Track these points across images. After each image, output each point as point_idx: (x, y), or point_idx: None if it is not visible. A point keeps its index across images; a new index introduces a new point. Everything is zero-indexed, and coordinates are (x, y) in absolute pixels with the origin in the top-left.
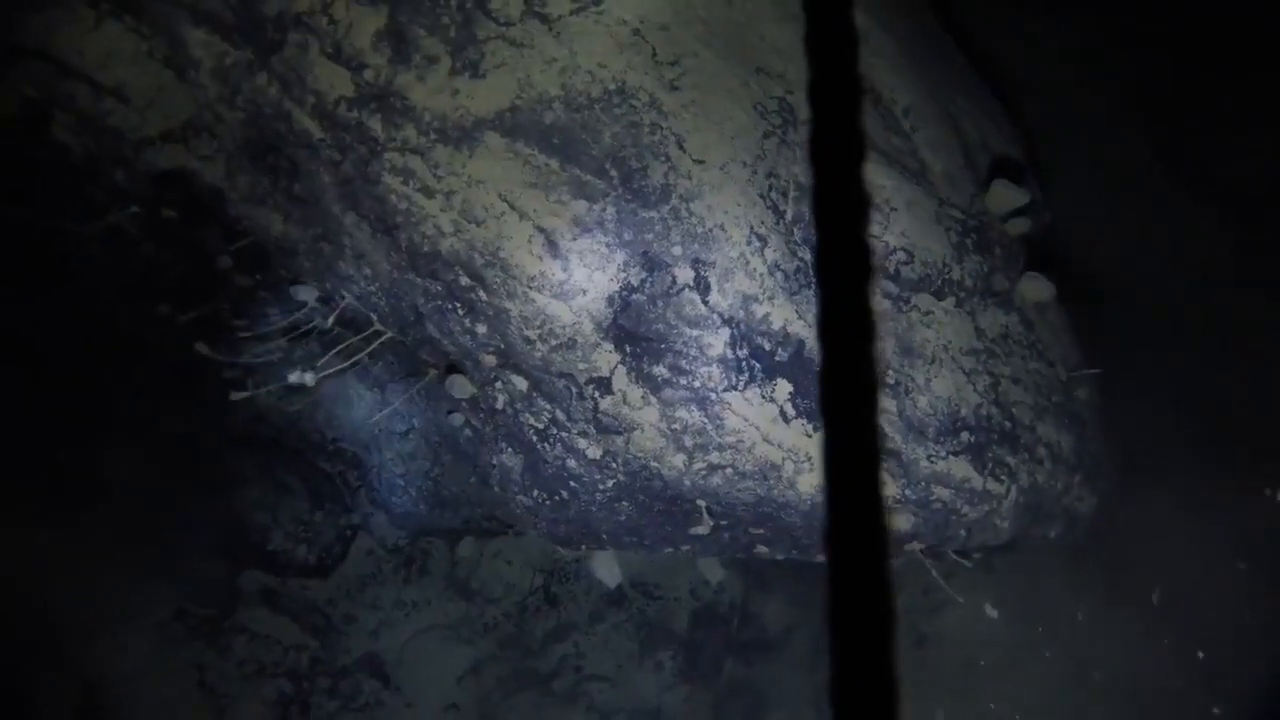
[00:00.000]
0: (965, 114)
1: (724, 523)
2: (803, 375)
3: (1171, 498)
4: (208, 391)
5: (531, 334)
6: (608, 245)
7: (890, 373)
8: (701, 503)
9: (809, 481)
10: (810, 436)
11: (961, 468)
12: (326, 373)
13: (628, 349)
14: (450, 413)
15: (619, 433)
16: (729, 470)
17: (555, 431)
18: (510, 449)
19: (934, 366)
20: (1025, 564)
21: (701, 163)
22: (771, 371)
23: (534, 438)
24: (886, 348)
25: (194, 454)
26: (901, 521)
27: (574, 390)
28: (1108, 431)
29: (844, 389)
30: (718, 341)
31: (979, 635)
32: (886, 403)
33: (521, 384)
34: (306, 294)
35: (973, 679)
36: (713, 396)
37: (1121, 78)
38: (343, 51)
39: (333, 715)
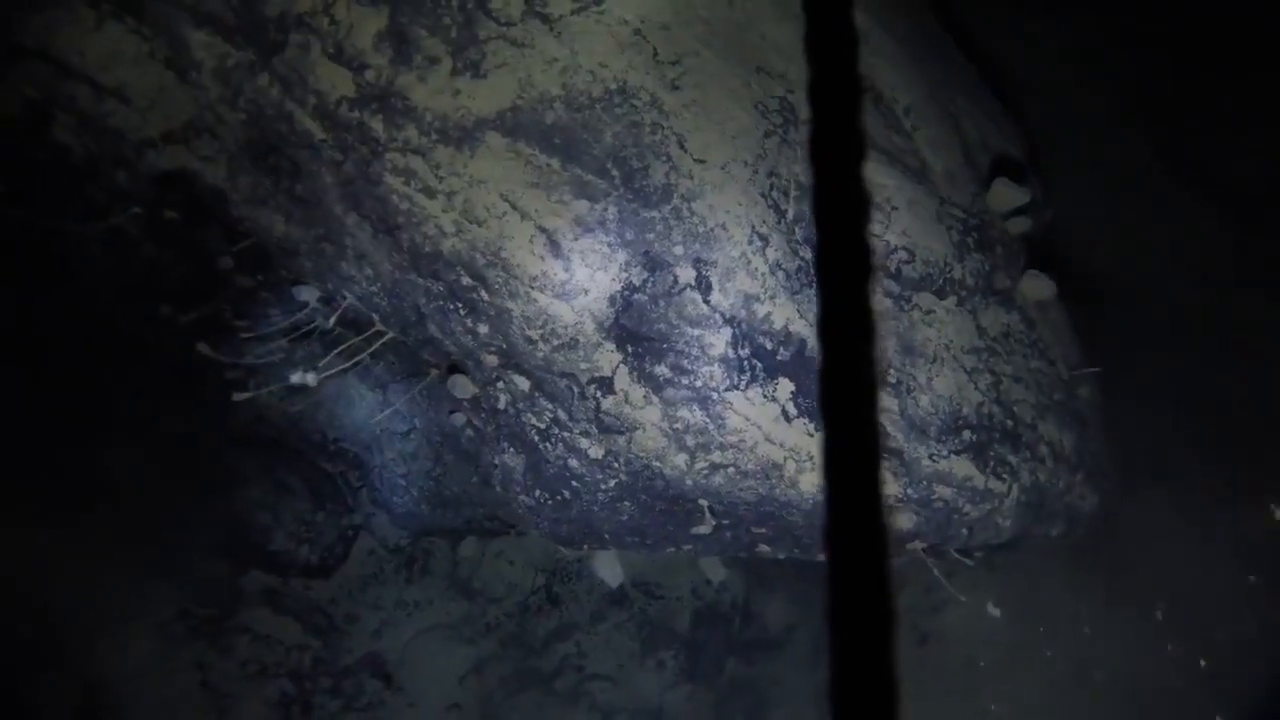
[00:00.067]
0: (966, 113)
1: (726, 522)
2: (804, 374)
3: (1171, 498)
4: (209, 392)
5: (533, 334)
6: (609, 245)
7: (892, 371)
8: (704, 502)
9: (811, 481)
10: (812, 436)
11: (963, 466)
12: (328, 373)
13: (629, 349)
14: (452, 413)
15: (621, 432)
16: (731, 469)
17: (557, 431)
18: (512, 449)
19: (936, 365)
20: (1027, 563)
21: (703, 162)
22: (773, 371)
23: (536, 437)
24: (888, 347)
25: (195, 454)
26: (903, 520)
27: (576, 390)
28: (1108, 431)
29: (844, 388)
30: (719, 341)
31: (981, 634)
32: (888, 401)
33: (523, 384)
34: (308, 294)
35: (974, 678)
36: (715, 396)
37: (1121, 78)
38: (344, 52)
39: (335, 715)
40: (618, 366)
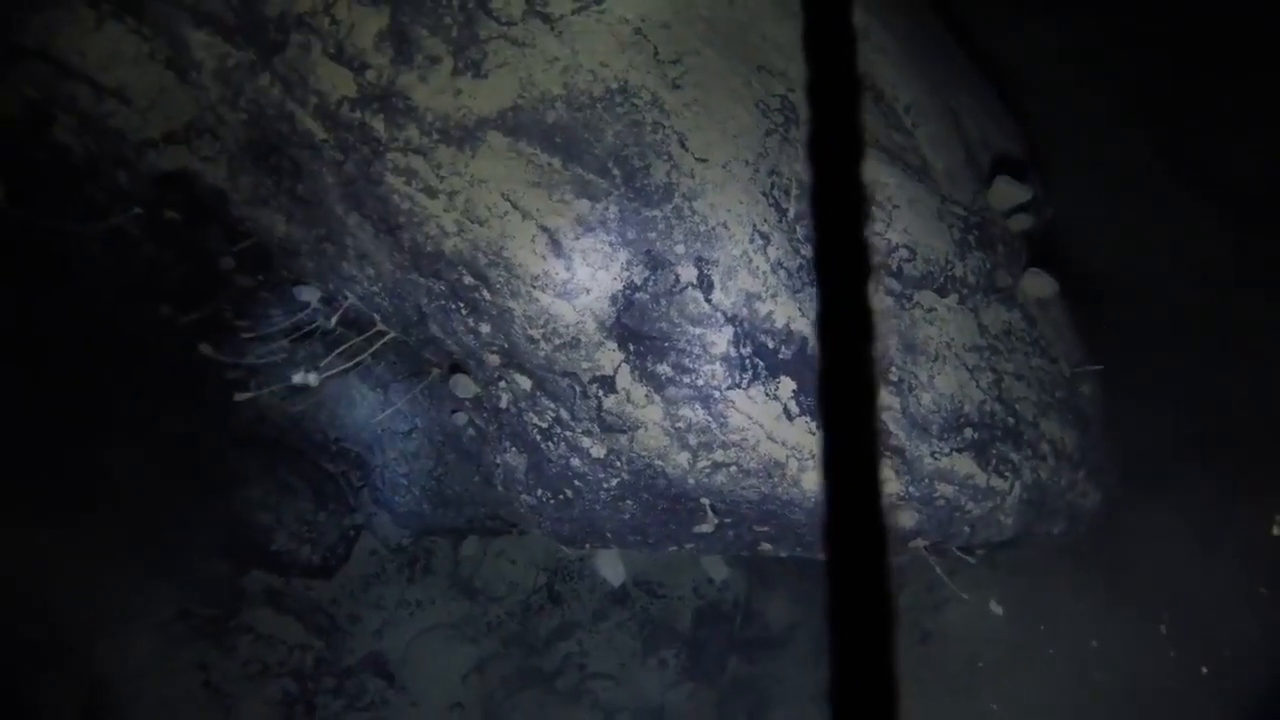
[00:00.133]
0: (966, 111)
1: (728, 521)
2: (806, 373)
3: (1172, 498)
4: (210, 392)
5: (535, 333)
6: (611, 244)
7: (894, 369)
8: (706, 501)
9: (813, 479)
10: (814, 434)
11: (965, 464)
12: (330, 373)
13: (631, 348)
14: (454, 412)
15: (623, 431)
16: (733, 468)
17: (559, 430)
18: (514, 448)
19: (937, 363)
20: (1029, 561)
21: (704, 161)
22: (775, 369)
23: (538, 437)
24: (890, 345)
25: (197, 454)
26: (905, 518)
27: (578, 389)
28: (1109, 430)
29: (844, 386)
30: (721, 340)
31: (982, 632)
32: (890, 399)
33: (525, 383)
34: (309, 294)
35: (976, 676)
36: (716, 394)
37: (1121, 78)
38: (345, 52)
39: (337, 715)
40: (619, 365)
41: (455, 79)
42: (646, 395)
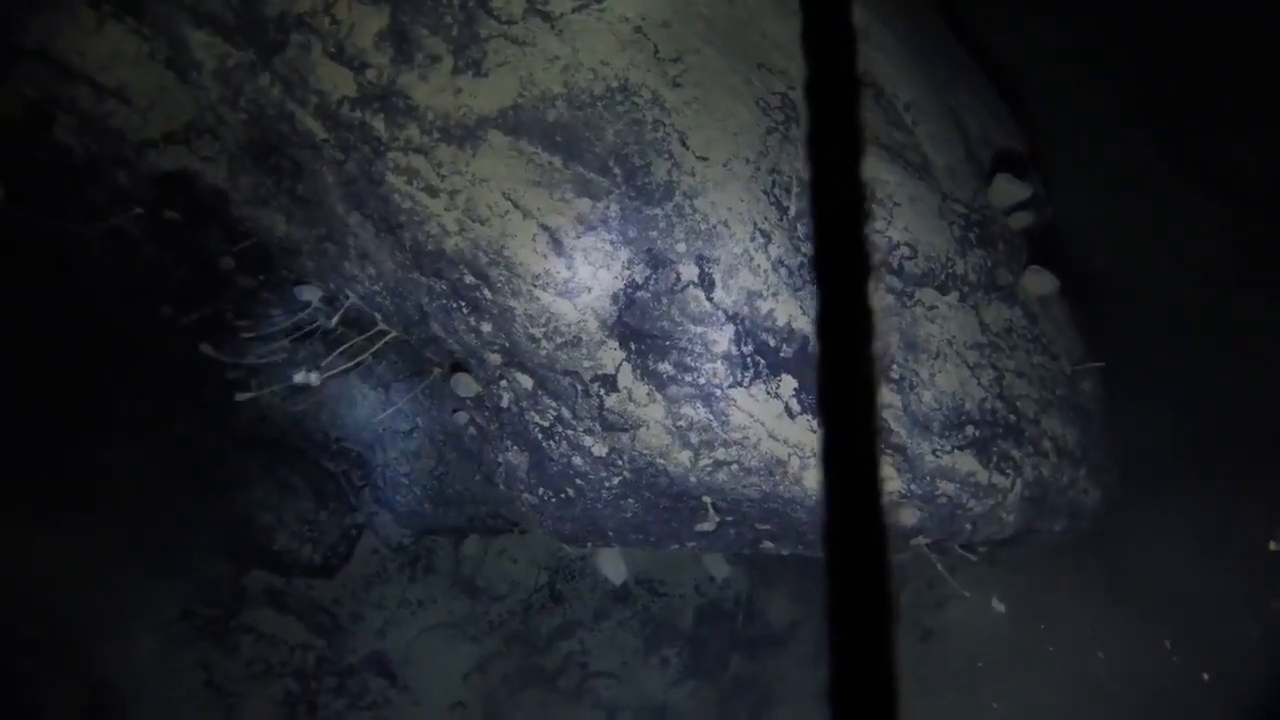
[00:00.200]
0: (967, 109)
1: (730, 519)
2: (807, 371)
3: (1172, 498)
4: (211, 392)
5: (536, 332)
6: (612, 243)
7: (895, 368)
8: (707, 499)
9: (814, 477)
10: (815, 432)
11: (967, 462)
12: (331, 373)
13: (633, 346)
14: (455, 411)
15: (624, 430)
16: (735, 466)
17: (561, 429)
18: (515, 447)
19: (938, 361)
20: (1030, 558)
21: (705, 159)
22: (776, 367)
23: (539, 435)
24: (891, 343)
25: (198, 454)
26: (907, 516)
27: (579, 388)
28: (1110, 429)
29: (844, 384)
30: (722, 338)
31: (983, 630)
32: (891, 397)
33: (527, 382)
34: (310, 294)
35: (976, 674)
36: (718, 393)
37: (1121, 77)
38: (345, 51)
39: (340, 714)
40: (621, 364)
41: (456, 78)
42: (648, 394)
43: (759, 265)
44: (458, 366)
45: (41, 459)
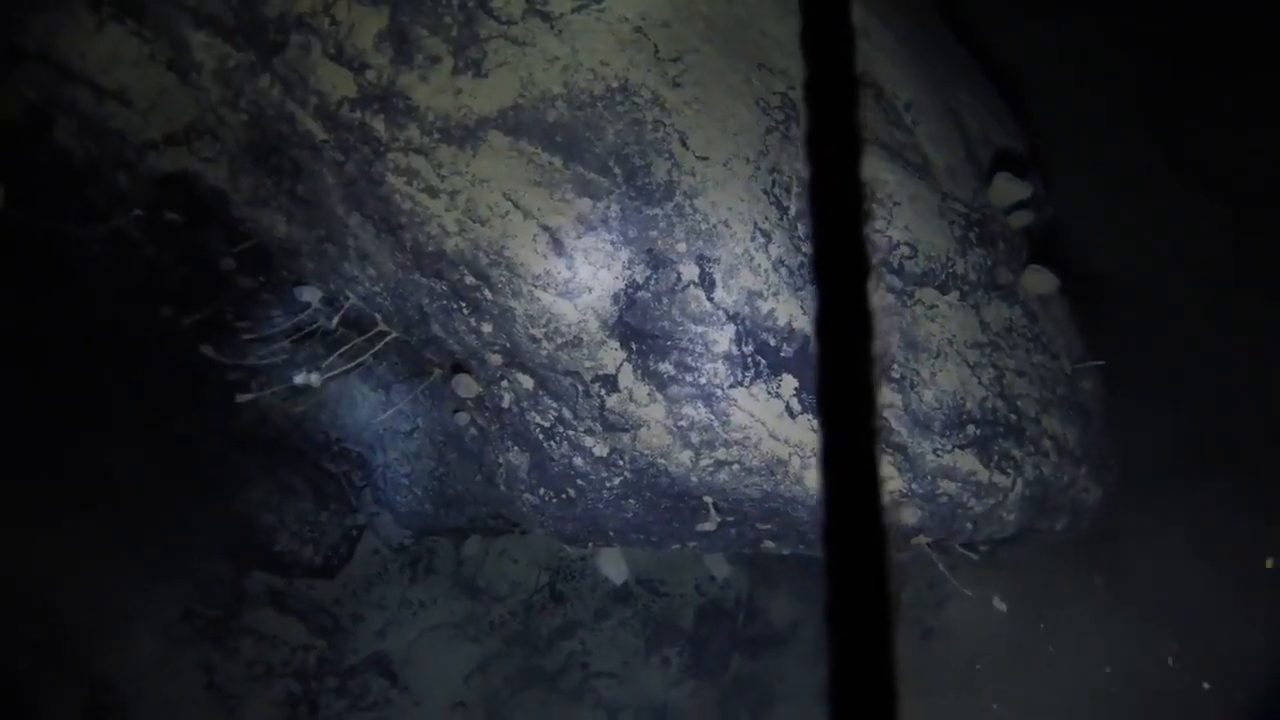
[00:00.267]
0: (967, 108)
1: (731, 519)
2: (808, 370)
3: (1172, 498)
4: (211, 393)
5: (537, 332)
6: (612, 243)
7: (895, 367)
8: (708, 499)
9: (815, 476)
10: (816, 431)
11: (967, 461)
12: (331, 374)
13: (633, 346)
14: (456, 412)
15: (625, 430)
16: (735, 466)
17: (561, 429)
18: (516, 447)
19: (939, 360)
20: (1031, 557)
21: (705, 159)
22: (777, 367)
23: (540, 436)
24: (891, 342)
25: (198, 455)
26: (908, 515)
27: (580, 388)
28: (1110, 427)
29: (843, 384)
30: (723, 338)
31: (984, 629)
32: (892, 397)
33: (527, 382)
34: (310, 295)
35: (977, 673)
36: (719, 393)
37: (1121, 77)
38: (345, 52)
39: (341, 715)
40: (622, 364)
41: (456, 78)
42: (649, 394)
43: (759, 265)
44: (458, 367)
45: (41, 459)
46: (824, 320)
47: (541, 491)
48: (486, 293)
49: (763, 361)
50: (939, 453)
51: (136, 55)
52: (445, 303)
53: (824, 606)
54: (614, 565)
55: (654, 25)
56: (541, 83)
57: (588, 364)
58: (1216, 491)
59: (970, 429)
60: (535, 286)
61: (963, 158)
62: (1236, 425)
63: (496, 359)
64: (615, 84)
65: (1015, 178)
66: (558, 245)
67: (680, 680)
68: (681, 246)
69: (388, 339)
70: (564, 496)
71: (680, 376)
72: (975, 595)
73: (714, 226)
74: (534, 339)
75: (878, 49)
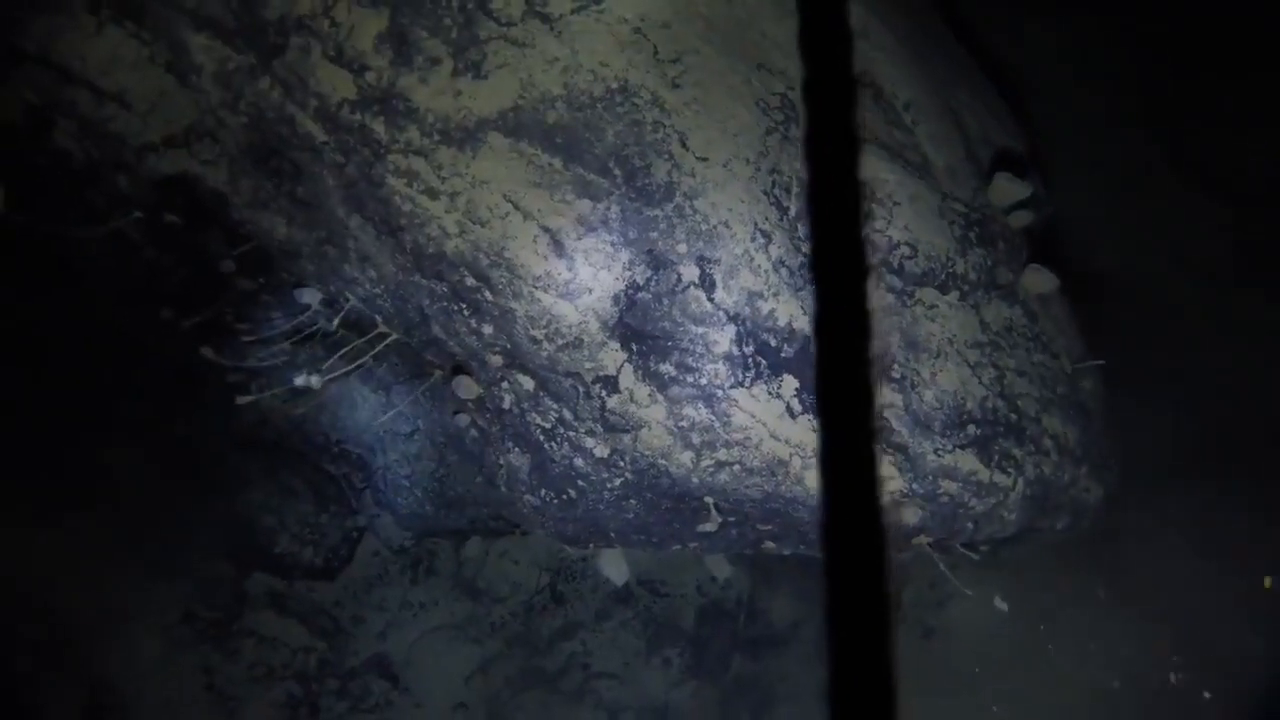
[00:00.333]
0: (966, 108)
1: (732, 519)
2: (809, 371)
3: (1172, 498)
4: (211, 395)
5: (538, 333)
6: (612, 244)
7: (896, 367)
8: (709, 499)
9: (816, 477)
10: (817, 432)
11: (968, 460)
12: (331, 375)
13: (634, 347)
14: (456, 413)
15: (626, 431)
16: (736, 467)
17: (562, 431)
18: (517, 449)
19: (939, 360)
20: (1032, 556)
21: (705, 160)
22: (777, 367)
23: (541, 437)
24: (892, 342)
25: (198, 456)
26: (909, 515)
27: (581, 389)
28: (1110, 426)
29: (843, 384)
30: (723, 338)
31: (985, 629)
32: (893, 397)
33: (528, 384)
34: (310, 297)
35: (978, 673)
36: (719, 393)
37: (1121, 77)
38: (345, 54)
39: (342, 716)
40: (622, 365)
41: (455, 80)
42: (650, 395)
43: (760, 265)
44: (459, 369)
45: (41, 459)
46: (824, 320)
47: (542, 492)
48: (487, 294)
49: (763, 362)
50: (940, 452)
51: (136, 58)
52: (446, 304)
53: (825, 607)
54: (615, 566)
55: (654, 26)
56: (541, 84)
57: (588, 365)
58: (1216, 491)
59: (971, 429)
60: (536, 288)
61: (963, 157)
62: (1236, 425)
63: (497, 360)
64: (615, 85)
65: (1015, 178)
66: (558, 246)
67: (681, 681)
68: (682, 247)
69: (388, 341)
70: (565, 497)
71: (681, 377)
72: (976, 595)
73: (714, 227)
74: (534, 340)
75: (877, 49)
